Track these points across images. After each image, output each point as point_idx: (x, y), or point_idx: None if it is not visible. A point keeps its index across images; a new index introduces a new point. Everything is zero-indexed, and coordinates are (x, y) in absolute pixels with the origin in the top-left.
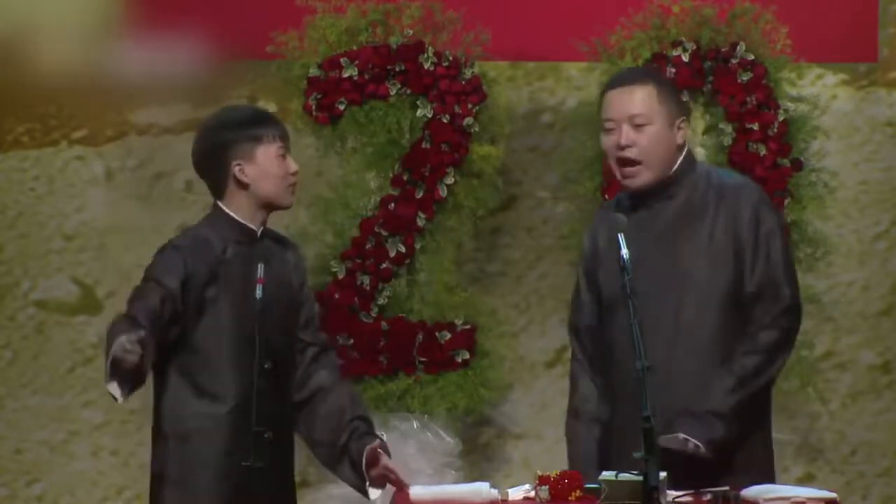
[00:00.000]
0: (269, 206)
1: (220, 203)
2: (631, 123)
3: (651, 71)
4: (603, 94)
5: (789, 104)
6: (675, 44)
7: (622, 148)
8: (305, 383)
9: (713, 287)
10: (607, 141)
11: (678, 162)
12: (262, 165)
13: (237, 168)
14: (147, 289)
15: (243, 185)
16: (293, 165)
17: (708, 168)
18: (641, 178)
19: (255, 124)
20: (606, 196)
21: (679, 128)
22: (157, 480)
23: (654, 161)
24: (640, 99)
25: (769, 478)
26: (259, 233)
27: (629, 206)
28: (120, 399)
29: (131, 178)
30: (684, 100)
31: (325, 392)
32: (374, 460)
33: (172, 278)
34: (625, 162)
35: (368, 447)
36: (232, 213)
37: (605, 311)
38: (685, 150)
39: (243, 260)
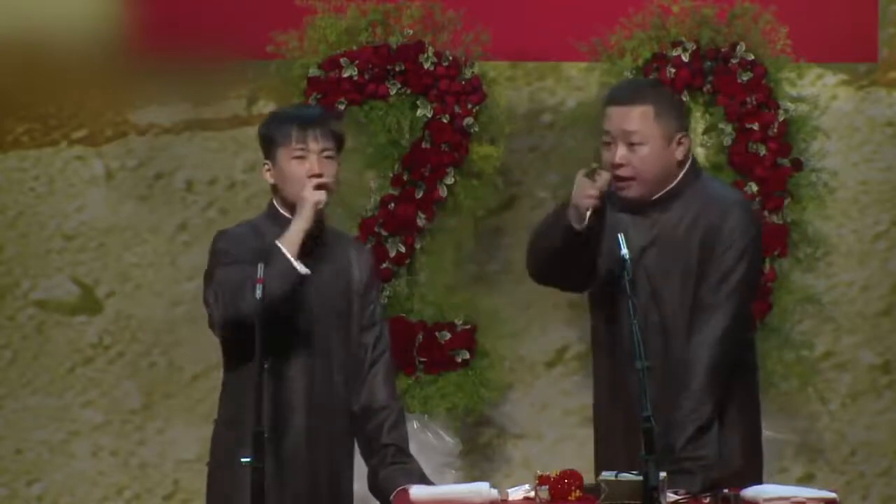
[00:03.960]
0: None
1: (273, 197)
2: (626, 142)
3: (649, 88)
4: (604, 105)
5: (789, 104)
6: (675, 44)
7: (616, 166)
8: (360, 392)
9: (683, 302)
10: (605, 154)
11: (679, 176)
12: (281, 168)
13: (265, 168)
14: (227, 268)
15: (273, 185)
16: (313, 167)
17: (709, 181)
18: (633, 191)
19: (277, 125)
20: None
21: (679, 143)
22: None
23: (648, 178)
24: (636, 119)
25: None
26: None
27: (627, 206)
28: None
29: (131, 178)
30: (686, 105)
31: (369, 411)
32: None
33: (237, 251)
34: (618, 178)
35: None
36: (279, 208)
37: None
38: (688, 163)
39: None
